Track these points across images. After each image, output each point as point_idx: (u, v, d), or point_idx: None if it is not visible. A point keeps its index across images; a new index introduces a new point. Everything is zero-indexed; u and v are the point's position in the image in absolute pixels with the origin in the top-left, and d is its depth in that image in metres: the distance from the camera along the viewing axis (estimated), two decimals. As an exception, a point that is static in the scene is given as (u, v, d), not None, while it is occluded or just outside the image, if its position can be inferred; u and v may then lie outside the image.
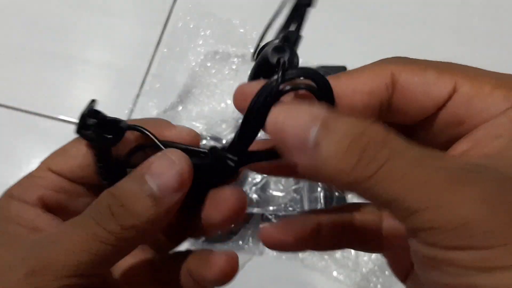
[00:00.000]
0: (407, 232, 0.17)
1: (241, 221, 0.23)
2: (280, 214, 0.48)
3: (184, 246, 0.25)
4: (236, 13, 0.57)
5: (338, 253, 0.49)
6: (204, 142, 0.51)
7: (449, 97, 0.19)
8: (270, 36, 0.22)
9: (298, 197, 0.49)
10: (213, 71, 0.56)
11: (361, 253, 0.50)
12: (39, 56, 0.57)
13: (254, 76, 0.22)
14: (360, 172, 0.16)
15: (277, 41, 0.22)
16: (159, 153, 0.21)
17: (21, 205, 0.22)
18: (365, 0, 0.59)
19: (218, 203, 0.22)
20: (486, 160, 0.18)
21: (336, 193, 0.49)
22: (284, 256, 0.50)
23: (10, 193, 0.22)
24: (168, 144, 0.22)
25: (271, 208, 0.48)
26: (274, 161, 0.21)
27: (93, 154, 0.22)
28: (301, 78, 0.20)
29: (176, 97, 0.55)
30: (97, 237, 0.19)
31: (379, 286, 0.48)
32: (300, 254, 0.49)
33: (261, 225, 0.23)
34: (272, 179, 0.50)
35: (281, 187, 0.50)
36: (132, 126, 0.22)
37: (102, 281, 0.21)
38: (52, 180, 0.22)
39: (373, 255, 0.50)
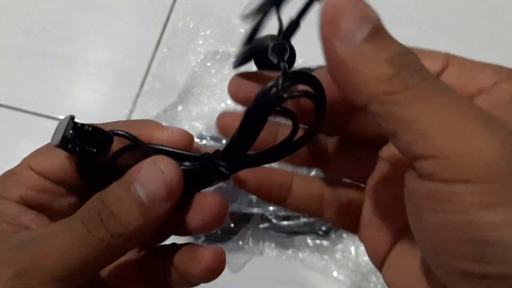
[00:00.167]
0: (407, 168, 0.17)
1: (221, 225, 0.23)
2: (280, 214, 0.48)
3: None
4: (236, 13, 0.57)
5: (338, 253, 0.49)
6: (204, 142, 0.51)
7: (443, 69, 0.20)
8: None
9: (298, 197, 0.49)
10: (213, 71, 0.56)
11: (361, 253, 0.50)
12: (39, 56, 0.57)
13: (243, 60, 0.22)
14: (393, 84, 0.16)
15: (276, 36, 0.21)
16: (148, 160, 0.20)
17: (4, 201, 0.22)
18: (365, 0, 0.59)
19: (199, 209, 0.22)
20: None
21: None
22: (284, 256, 0.50)
23: None
24: (157, 149, 0.21)
25: (271, 208, 0.48)
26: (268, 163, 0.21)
27: (77, 163, 0.22)
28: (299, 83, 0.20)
29: (176, 97, 0.54)
30: (87, 243, 0.19)
31: (379, 286, 0.48)
32: (300, 254, 0.49)
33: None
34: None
35: (281, 187, 0.50)
36: (117, 133, 0.21)
37: (89, 281, 0.21)
38: (33, 180, 0.22)
39: (373, 255, 0.50)
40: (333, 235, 0.49)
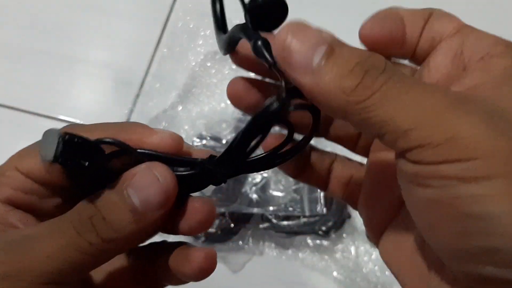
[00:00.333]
0: (396, 156, 0.18)
1: (208, 229, 0.23)
2: (280, 214, 0.48)
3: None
4: (236, 13, 0.57)
5: (338, 253, 0.49)
6: (204, 142, 0.51)
7: (451, 35, 0.20)
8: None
9: (298, 197, 0.49)
10: (213, 71, 0.56)
11: (361, 253, 0.50)
12: (39, 56, 0.57)
13: (226, 50, 0.23)
14: (359, 93, 0.17)
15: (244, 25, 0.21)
16: (143, 166, 0.20)
17: None
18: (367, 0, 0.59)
19: (187, 214, 0.22)
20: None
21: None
22: (284, 256, 0.50)
23: None
24: (151, 155, 0.21)
25: (271, 208, 0.48)
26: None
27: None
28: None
29: (176, 97, 0.54)
30: (77, 246, 0.19)
31: (379, 286, 0.48)
32: (300, 254, 0.49)
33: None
34: (272, 179, 0.50)
35: (281, 187, 0.50)
36: (105, 141, 0.20)
37: (79, 282, 0.21)
38: (19, 181, 0.22)
39: (373, 255, 0.50)
40: (333, 235, 0.49)
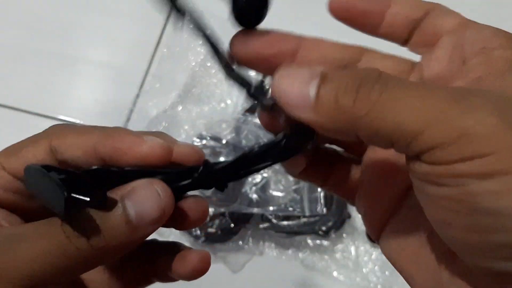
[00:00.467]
0: (407, 158, 0.18)
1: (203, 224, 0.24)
2: (280, 214, 0.48)
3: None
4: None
5: (338, 253, 0.49)
6: (204, 142, 0.51)
7: (454, 30, 0.21)
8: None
9: (298, 197, 0.49)
10: (213, 71, 0.56)
11: (361, 253, 0.50)
12: (39, 56, 0.57)
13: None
14: (360, 107, 0.17)
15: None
16: (143, 180, 0.20)
17: None
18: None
19: (180, 213, 0.22)
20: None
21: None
22: (284, 256, 0.50)
23: None
24: (144, 172, 0.21)
25: (271, 208, 0.48)
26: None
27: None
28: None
29: (176, 97, 0.54)
30: (65, 252, 0.19)
31: (379, 286, 0.48)
32: (300, 254, 0.49)
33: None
34: (272, 179, 0.50)
35: (281, 187, 0.50)
36: (101, 170, 0.20)
37: (67, 284, 0.21)
38: (6, 180, 0.21)
39: (373, 255, 0.50)
40: (333, 235, 0.49)
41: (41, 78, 0.56)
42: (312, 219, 0.49)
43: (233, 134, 0.51)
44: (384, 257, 0.25)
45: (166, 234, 0.48)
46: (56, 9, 0.59)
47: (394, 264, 0.22)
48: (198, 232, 0.48)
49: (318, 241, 0.49)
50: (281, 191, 0.49)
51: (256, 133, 0.50)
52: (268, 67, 0.22)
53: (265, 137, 0.50)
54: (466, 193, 0.16)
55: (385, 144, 0.17)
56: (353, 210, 0.50)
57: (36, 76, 0.56)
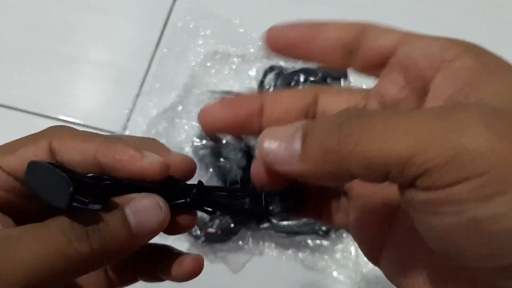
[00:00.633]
0: (401, 190, 0.17)
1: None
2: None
3: (185, 246, 0.26)
4: (236, 13, 0.57)
5: (338, 254, 0.49)
6: (204, 142, 0.51)
7: (397, 47, 0.21)
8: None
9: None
10: (213, 71, 0.56)
11: (361, 253, 0.50)
12: (39, 56, 0.57)
13: None
14: (345, 144, 0.17)
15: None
16: (145, 194, 0.21)
17: None
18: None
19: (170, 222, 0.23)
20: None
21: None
22: (284, 256, 0.50)
23: None
24: (141, 186, 0.21)
25: (271, 208, 0.48)
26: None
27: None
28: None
29: (176, 97, 0.54)
30: (64, 254, 0.18)
31: (379, 286, 0.48)
32: (300, 254, 0.49)
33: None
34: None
35: (281, 187, 0.50)
36: (101, 177, 0.21)
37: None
38: (2, 179, 0.21)
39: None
40: (333, 235, 0.49)
41: (41, 78, 0.56)
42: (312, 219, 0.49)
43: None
44: (354, 239, 0.25)
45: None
46: (56, 9, 0.59)
47: (398, 286, 0.22)
48: (198, 232, 0.48)
49: (318, 241, 0.49)
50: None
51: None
52: (240, 131, 0.23)
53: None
54: (470, 219, 0.15)
55: (380, 177, 0.17)
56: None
57: (36, 76, 0.56)
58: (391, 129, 0.16)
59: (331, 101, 0.23)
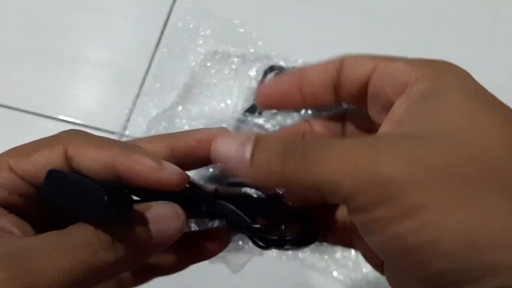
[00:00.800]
0: (349, 214, 0.20)
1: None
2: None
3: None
4: (236, 13, 0.57)
5: (338, 253, 0.49)
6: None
7: (370, 75, 0.23)
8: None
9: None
10: (213, 71, 0.56)
11: (361, 253, 0.50)
12: (39, 56, 0.57)
13: None
14: (287, 168, 0.19)
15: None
16: (163, 202, 0.21)
17: None
18: (366, 0, 0.59)
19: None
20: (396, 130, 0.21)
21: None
22: (284, 256, 0.50)
23: None
24: (160, 194, 0.21)
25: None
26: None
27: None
28: None
29: (176, 97, 0.54)
30: (90, 266, 0.18)
31: (379, 286, 0.48)
32: (300, 254, 0.49)
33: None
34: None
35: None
36: (123, 187, 0.21)
37: None
38: (15, 184, 0.21)
39: (373, 255, 0.50)
40: (333, 235, 0.49)
41: (41, 78, 0.56)
42: (312, 219, 0.49)
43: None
44: (357, 250, 0.26)
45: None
46: (56, 9, 0.59)
47: None
48: (198, 232, 0.48)
49: (318, 241, 0.49)
50: (281, 191, 0.49)
51: (256, 133, 0.50)
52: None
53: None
54: (392, 236, 0.17)
55: (318, 198, 0.19)
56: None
57: (36, 76, 0.56)
58: (324, 158, 0.19)
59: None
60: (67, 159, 0.21)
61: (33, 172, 0.21)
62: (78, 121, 0.54)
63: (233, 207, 0.23)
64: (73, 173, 0.19)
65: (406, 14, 0.57)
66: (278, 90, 0.25)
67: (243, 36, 0.56)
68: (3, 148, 0.22)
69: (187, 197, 0.22)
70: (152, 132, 0.52)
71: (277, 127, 0.50)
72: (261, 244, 0.24)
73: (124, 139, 0.52)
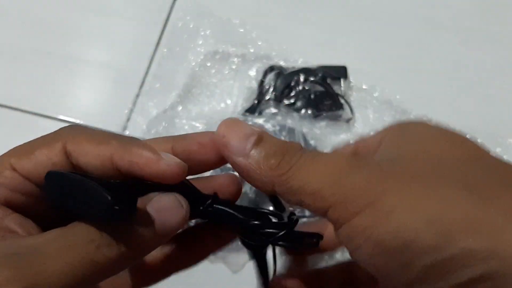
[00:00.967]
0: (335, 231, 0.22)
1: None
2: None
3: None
4: (236, 13, 0.57)
5: (338, 254, 0.49)
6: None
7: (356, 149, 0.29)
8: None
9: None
10: (213, 71, 0.56)
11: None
12: (39, 56, 0.57)
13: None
14: (281, 167, 0.21)
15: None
16: (164, 193, 0.21)
17: None
18: (366, 0, 0.59)
19: None
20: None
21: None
22: (284, 256, 0.50)
23: None
24: (161, 186, 0.21)
25: (271, 208, 0.48)
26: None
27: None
28: None
29: (176, 97, 0.54)
30: (93, 262, 0.18)
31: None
32: (300, 254, 0.49)
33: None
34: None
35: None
36: (125, 182, 0.20)
37: None
38: (18, 183, 0.21)
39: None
40: (333, 235, 0.49)
41: (41, 78, 0.56)
42: (312, 219, 0.48)
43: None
44: None
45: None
46: (56, 9, 0.59)
47: None
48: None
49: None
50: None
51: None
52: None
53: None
54: (376, 243, 0.19)
55: (295, 201, 0.21)
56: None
57: (36, 76, 0.56)
58: (312, 166, 0.21)
59: None
60: (67, 155, 0.21)
61: (34, 170, 0.21)
62: (78, 121, 0.54)
63: (229, 209, 0.23)
64: (72, 173, 0.19)
65: (406, 14, 0.58)
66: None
67: (243, 36, 0.56)
68: (4, 148, 0.22)
69: (187, 192, 0.22)
70: (152, 132, 0.52)
71: (277, 127, 0.50)
72: (252, 243, 0.25)
73: (124, 139, 0.52)
